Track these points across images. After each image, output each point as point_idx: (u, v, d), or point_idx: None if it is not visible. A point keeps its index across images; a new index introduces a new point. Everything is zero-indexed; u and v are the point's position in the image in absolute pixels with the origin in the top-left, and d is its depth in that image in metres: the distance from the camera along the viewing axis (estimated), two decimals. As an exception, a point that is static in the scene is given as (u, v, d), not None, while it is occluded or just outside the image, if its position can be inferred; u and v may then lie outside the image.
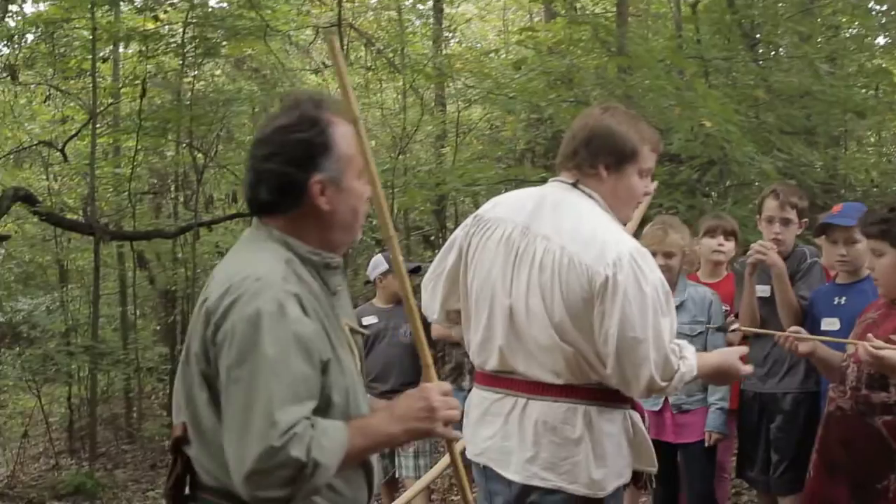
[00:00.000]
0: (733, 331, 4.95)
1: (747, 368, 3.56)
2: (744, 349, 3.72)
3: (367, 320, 6.61)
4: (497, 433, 3.29)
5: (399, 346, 6.69)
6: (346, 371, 2.55)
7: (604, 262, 3.11)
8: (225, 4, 13.02)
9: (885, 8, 11.78)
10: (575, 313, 3.16)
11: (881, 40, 13.72)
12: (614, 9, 11.22)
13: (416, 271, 6.82)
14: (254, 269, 2.43)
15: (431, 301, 3.68)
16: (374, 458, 2.71)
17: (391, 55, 14.15)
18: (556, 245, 3.20)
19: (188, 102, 12.78)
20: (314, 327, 2.44)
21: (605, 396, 3.26)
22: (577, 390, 3.23)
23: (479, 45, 16.89)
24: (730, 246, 5.73)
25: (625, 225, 3.44)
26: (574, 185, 3.36)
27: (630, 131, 3.35)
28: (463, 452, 3.35)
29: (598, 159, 3.32)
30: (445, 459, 3.64)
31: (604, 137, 3.33)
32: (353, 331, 2.70)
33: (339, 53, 2.60)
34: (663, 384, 3.15)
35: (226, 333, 2.36)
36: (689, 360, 3.23)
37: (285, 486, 2.31)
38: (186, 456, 2.50)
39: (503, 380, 3.31)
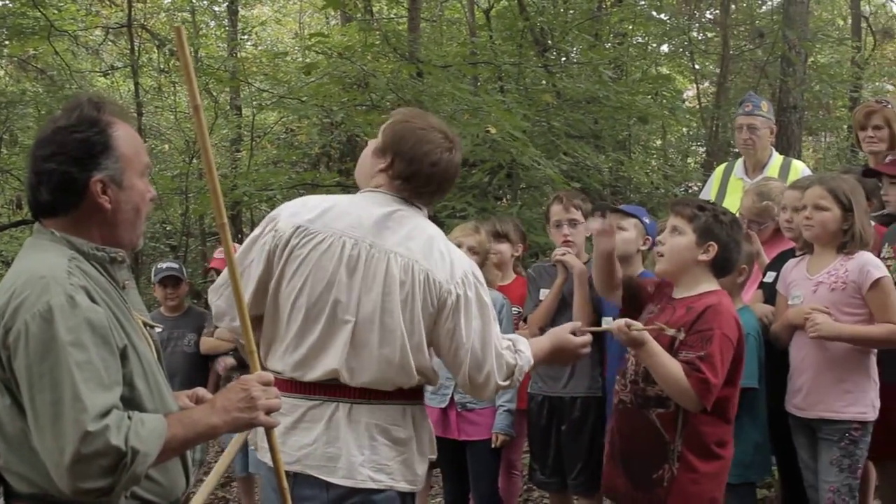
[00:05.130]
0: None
1: (584, 339, 3.62)
2: (576, 324, 3.75)
3: (152, 328, 6.47)
4: (318, 439, 3.25)
5: (182, 355, 6.61)
6: (145, 359, 2.58)
7: (454, 281, 3.24)
8: (7, 2, 12.52)
9: (667, 17, 12.35)
10: (427, 327, 3.25)
11: (665, 48, 14.38)
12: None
13: (173, 279, 6.79)
14: (36, 269, 2.43)
15: (229, 307, 3.52)
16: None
17: (184, 57, 13.86)
18: (410, 261, 3.25)
19: (-32, 104, 12.23)
20: (107, 314, 2.45)
21: (422, 395, 3.41)
22: (404, 392, 3.30)
23: (274, 48, 16.73)
24: (503, 248, 5.81)
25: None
26: (407, 199, 3.40)
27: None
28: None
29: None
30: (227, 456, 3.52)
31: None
32: (146, 324, 2.75)
33: (186, 44, 2.61)
34: (505, 383, 3.34)
35: (18, 333, 2.34)
36: (525, 352, 3.41)
37: (106, 476, 2.30)
38: None
39: (325, 387, 3.27)
